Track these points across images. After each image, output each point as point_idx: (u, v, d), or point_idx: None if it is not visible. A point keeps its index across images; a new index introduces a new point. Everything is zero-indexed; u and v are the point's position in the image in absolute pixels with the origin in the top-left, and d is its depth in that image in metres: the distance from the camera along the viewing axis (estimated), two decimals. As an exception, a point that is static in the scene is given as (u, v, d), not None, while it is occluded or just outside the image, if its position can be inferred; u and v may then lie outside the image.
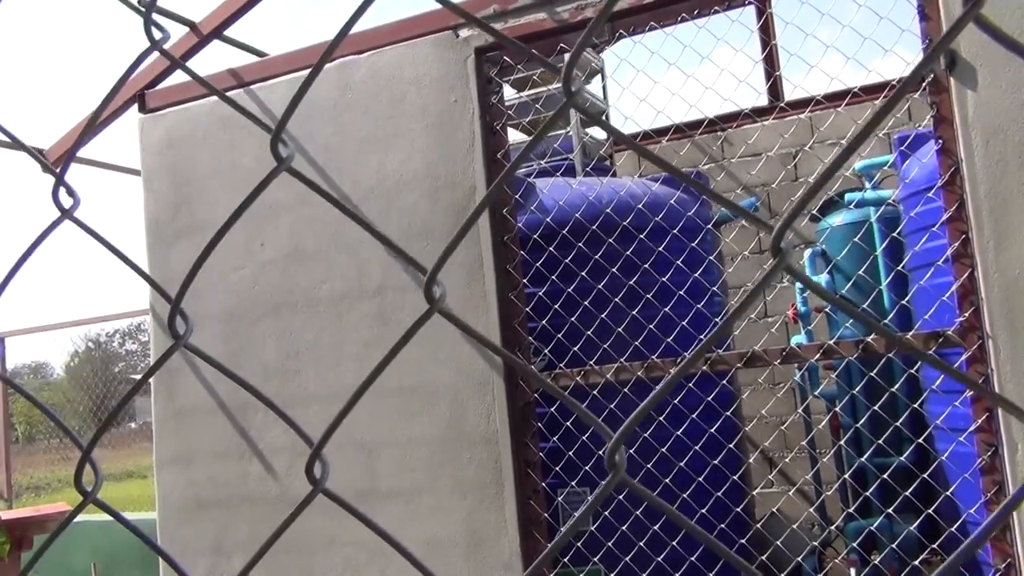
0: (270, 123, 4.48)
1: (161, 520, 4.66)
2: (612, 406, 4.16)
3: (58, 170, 1.02)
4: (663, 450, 4.09)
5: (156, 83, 4.93)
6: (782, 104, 6.91)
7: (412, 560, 0.78)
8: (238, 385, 1.09)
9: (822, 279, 5.53)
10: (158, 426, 4.71)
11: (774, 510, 4.88)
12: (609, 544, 4.03)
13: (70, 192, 1.03)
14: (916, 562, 4.62)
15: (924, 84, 3.35)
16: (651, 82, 4.36)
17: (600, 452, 4.15)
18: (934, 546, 3.75)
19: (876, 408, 4.30)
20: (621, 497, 4.16)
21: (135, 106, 4.95)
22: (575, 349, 4.19)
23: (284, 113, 0.81)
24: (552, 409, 4.19)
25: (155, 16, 1.02)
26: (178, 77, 4.98)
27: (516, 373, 3.91)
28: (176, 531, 4.61)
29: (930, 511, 3.81)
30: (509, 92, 6.51)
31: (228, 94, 4.66)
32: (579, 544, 4.08)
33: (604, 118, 6.22)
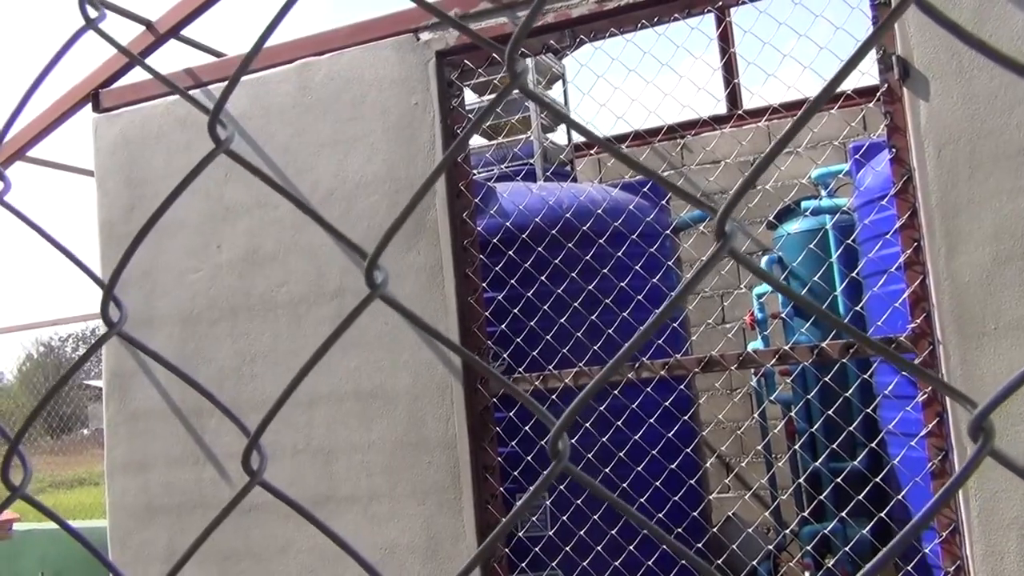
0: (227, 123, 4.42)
1: (112, 527, 4.57)
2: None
3: None
4: (621, 454, 4.10)
5: (111, 82, 4.85)
6: (740, 112, 6.99)
7: (361, 561, 0.77)
8: (192, 388, 1.07)
9: (779, 286, 5.58)
10: (110, 431, 4.62)
11: (730, 514, 4.93)
12: (567, 549, 4.03)
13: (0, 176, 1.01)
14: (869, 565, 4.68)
15: (879, 94, 3.40)
16: (611, 88, 4.39)
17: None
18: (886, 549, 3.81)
19: (830, 413, 4.35)
20: (579, 502, 4.16)
21: (88, 105, 4.86)
22: (534, 353, 4.19)
23: (221, 94, 0.79)
24: (511, 413, 4.19)
25: (109, 13, 1.00)
26: (133, 76, 4.90)
27: (475, 377, 3.90)
28: (128, 538, 4.52)
29: (882, 515, 3.86)
30: (470, 97, 6.50)
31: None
32: (537, 549, 4.08)
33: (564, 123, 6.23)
